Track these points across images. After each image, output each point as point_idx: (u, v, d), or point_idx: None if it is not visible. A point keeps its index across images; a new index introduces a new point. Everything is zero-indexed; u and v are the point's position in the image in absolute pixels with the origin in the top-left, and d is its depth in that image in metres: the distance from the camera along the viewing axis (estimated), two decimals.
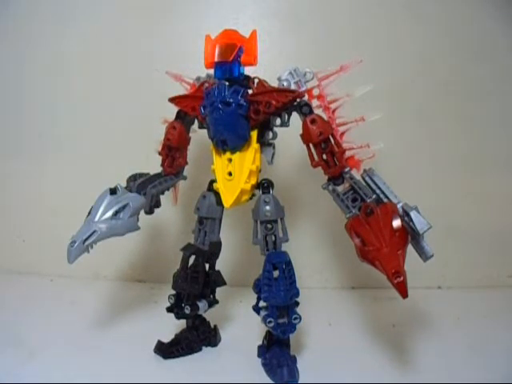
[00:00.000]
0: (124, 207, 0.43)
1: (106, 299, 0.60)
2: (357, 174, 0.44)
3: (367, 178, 0.43)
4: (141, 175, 0.48)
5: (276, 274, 0.42)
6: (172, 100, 0.46)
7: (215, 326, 0.51)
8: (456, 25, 0.66)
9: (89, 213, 0.44)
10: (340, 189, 0.44)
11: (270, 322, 0.42)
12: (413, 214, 0.38)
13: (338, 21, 0.66)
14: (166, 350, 0.47)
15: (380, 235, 0.37)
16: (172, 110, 0.48)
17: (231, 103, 0.40)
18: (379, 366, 0.45)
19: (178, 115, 0.47)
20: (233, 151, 0.42)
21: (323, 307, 0.60)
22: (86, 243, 0.41)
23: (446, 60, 0.66)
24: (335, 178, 0.44)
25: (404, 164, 0.65)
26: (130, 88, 0.67)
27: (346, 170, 0.43)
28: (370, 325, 0.56)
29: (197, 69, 0.47)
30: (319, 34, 0.66)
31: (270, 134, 0.44)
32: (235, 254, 0.67)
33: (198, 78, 0.47)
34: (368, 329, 0.54)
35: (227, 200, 0.42)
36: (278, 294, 0.42)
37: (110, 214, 0.42)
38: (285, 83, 0.43)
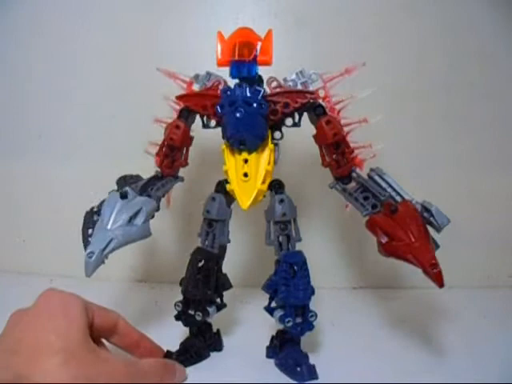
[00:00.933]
0: (138, 212, 0.41)
1: (106, 299, 0.59)
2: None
3: (376, 177, 0.44)
4: (131, 177, 0.47)
5: (292, 273, 0.43)
6: (180, 98, 0.45)
7: (218, 330, 0.49)
8: (457, 25, 0.66)
9: (91, 216, 0.43)
10: (349, 188, 0.45)
11: (288, 321, 0.42)
12: (434, 209, 0.40)
13: (339, 21, 0.66)
14: (177, 361, 0.44)
15: (409, 231, 0.39)
16: (168, 110, 0.48)
17: (253, 103, 0.40)
18: (379, 366, 0.45)
19: (182, 114, 0.46)
20: (250, 152, 0.42)
21: (325, 307, 0.60)
22: (105, 253, 0.39)
23: (446, 60, 0.66)
24: (344, 177, 0.44)
25: (404, 164, 0.65)
26: (130, 88, 0.67)
27: (353, 168, 0.44)
28: (370, 325, 0.56)
29: (197, 68, 0.47)
30: (320, 34, 0.66)
31: (279, 135, 0.45)
32: (235, 255, 0.67)
33: (197, 76, 0.46)
34: (369, 329, 0.55)
35: (244, 202, 0.41)
36: (297, 294, 0.42)
37: (124, 220, 0.40)
38: (291, 84, 0.43)
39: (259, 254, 0.68)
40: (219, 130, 0.44)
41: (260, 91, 0.41)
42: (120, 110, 0.68)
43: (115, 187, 0.46)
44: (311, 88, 0.44)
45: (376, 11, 0.66)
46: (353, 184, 0.45)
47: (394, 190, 0.43)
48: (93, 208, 0.44)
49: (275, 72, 0.44)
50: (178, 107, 0.47)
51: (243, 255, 0.67)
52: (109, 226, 0.40)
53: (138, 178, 0.47)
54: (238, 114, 0.40)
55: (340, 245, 0.69)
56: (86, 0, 0.69)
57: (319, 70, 0.44)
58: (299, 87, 0.43)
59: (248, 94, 0.40)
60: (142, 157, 0.50)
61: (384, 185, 0.43)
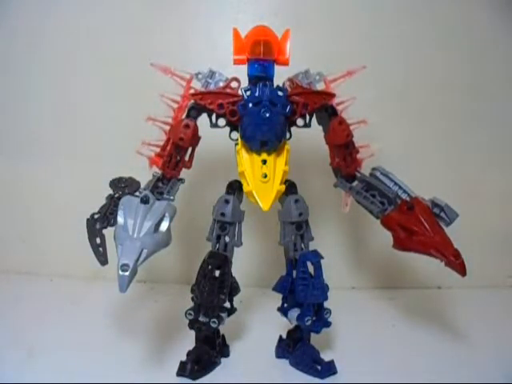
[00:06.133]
0: (162, 218, 0.39)
1: (106, 299, 0.60)
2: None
3: (380, 176, 0.45)
4: (125, 180, 0.45)
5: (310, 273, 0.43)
6: (195, 95, 0.43)
7: (223, 336, 0.48)
8: (457, 26, 0.66)
9: (93, 224, 0.42)
10: (355, 186, 0.45)
11: (308, 320, 0.42)
12: (445, 205, 0.42)
13: (339, 20, 0.66)
14: (192, 372, 0.43)
15: (427, 226, 0.41)
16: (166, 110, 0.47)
17: (277, 103, 0.40)
18: (378, 365, 0.46)
19: (191, 113, 0.44)
20: (269, 153, 0.41)
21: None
22: (138, 264, 0.36)
23: (446, 60, 0.66)
24: (350, 176, 0.45)
25: (404, 164, 0.65)
26: (130, 89, 0.67)
27: (358, 168, 0.45)
28: (370, 325, 0.56)
29: (197, 67, 0.46)
30: (320, 34, 0.66)
31: (288, 135, 0.44)
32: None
33: (198, 73, 0.45)
34: (368, 329, 0.54)
35: (266, 203, 0.40)
36: (316, 292, 0.42)
37: (151, 227, 0.38)
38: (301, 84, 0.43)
39: (258, 254, 0.68)
40: (217, 131, 0.44)
41: (284, 91, 0.41)
42: (120, 110, 0.68)
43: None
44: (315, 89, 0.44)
45: (376, 12, 0.66)
46: (356, 182, 0.45)
47: (400, 187, 0.44)
48: (93, 214, 0.43)
49: (276, 71, 0.43)
50: (175, 105, 0.46)
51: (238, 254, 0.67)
52: (135, 235, 0.37)
53: (131, 180, 0.45)
54: (266, 115, 0.39)
55: (340, 245, 0.69)
56: (84, 1, 0.68)
57: (319, 70, 0.45)
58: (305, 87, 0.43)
59: (273, 94, 0.40)
60: (142, 157, 0.49)
61: (388, 183, 0.44)
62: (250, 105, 0.40)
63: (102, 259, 0.43)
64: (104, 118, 0.69)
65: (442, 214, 0.42)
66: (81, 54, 0.69)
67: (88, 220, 0.43)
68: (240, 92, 0.42)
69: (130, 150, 0.66)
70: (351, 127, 0.44)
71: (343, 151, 0.44)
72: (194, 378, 0.43)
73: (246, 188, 0.42)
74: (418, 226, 0.41)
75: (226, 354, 0.47)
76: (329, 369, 0.44)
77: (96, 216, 0.43)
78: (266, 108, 0.39)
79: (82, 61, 0.69)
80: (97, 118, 0.69)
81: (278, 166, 0.41)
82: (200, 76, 0.45)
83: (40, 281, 0.68)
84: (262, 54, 0.41)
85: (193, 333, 0.45)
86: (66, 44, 0.69)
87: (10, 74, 0.70)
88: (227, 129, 0.44)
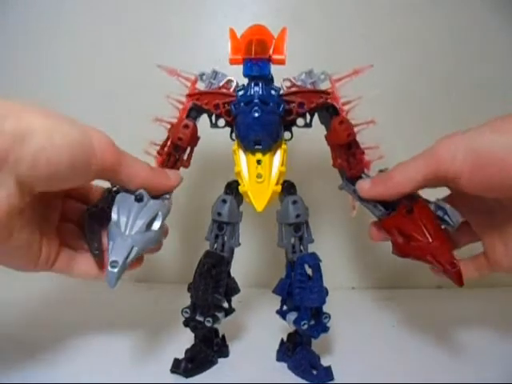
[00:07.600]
0: (155, 217, 0.39)
1: (105, 299, 0.60)
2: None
3: None
4: None
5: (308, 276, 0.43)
6: (192, 96, 0.43)
7: (223, 336, 0.48)
8: (461, 25, 0.66)
9: (99, 217, 0.42)
10: None
11: (304, 324, 0.42)
12: (449, 208, 0.41)
13: (341, 20, 0.66)
14: (186, 369, 0.43)
15: (426, 230, 0.39)
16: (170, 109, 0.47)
17: (269, 102, 0.40)
18: (378, 367, 0.45)
19: (191, 113, 0.44)
20: (264, 152, 0.41)
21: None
22: (128, 261, 0.36)
23: (447, 60, 0.66)
24: (354, 178, 0.44)
25: None
26: (133, 88, 0.67)
27: (365, 170, 0.44)
28: (370, 325, 0.56)
29: (197, 67, 0.46)
30: (321, 34, 0.66)
31: (288, 135, 0.44)
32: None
33: (202, 74, 0.45)
34: (367, 329, 0.54)
35: (260, 203, 0.40)
36: (314, 296, 0.42)
37: (143, 225, 0.38)
38: (300, 84, 0.43)
39: (259, 254, 0.68)
40: (219, 130, 0.44)
41: (277, 90, 0.41)
42: (121, 110, 0.68)
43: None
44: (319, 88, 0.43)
45: (378, 10, 0.66)
46: None
47: None
48: (88, 208, 0.43)
49: (275, 71, 0.43)
50: (180, 106, 0.45)
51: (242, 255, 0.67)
52: (127, 232, 0.37)
53: None
54: (255, 114, 0.39)
55: (340, 245, 0.69)
56: (84, 2, 0.68)
57: (321, 70, 0.44)
58: (309, 87, 0.43)
59: (265, 93, 0.40)
60: (143, 157, 0.49)
61: None
62: (242, 104, 0.40)
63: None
64: (106, 119, 0.69)
65: (446, 217, 0.41)
66: (81, 55, 0.69)
67: (84, 214, 0.43)
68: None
69: (132, 150, 0.66)
70: (359, 127, 0.43)
71: (345, 152, 0.43)
72: (187, 376, 0.43)
73: (241, 188, 0.42)
74: (415, 230, 0.40)
75: (225, 354, 0.47)
76: (325, 375, 0.43)
77: (93, 210, 0.44)
78: (257, 107, 0.39)
79: (82, 61, 0.69)
80: (100, 119, 0.69)
81: (273, 166, 0.41)
82: (204, 77, 0.45)
83: (40, 281, 0.68)
84: (253, 54, 0.40)
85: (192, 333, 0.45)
86: (66, 45, 0.69)
87: (11, 76, 0.71)
88: (227, 129, 0.44)
